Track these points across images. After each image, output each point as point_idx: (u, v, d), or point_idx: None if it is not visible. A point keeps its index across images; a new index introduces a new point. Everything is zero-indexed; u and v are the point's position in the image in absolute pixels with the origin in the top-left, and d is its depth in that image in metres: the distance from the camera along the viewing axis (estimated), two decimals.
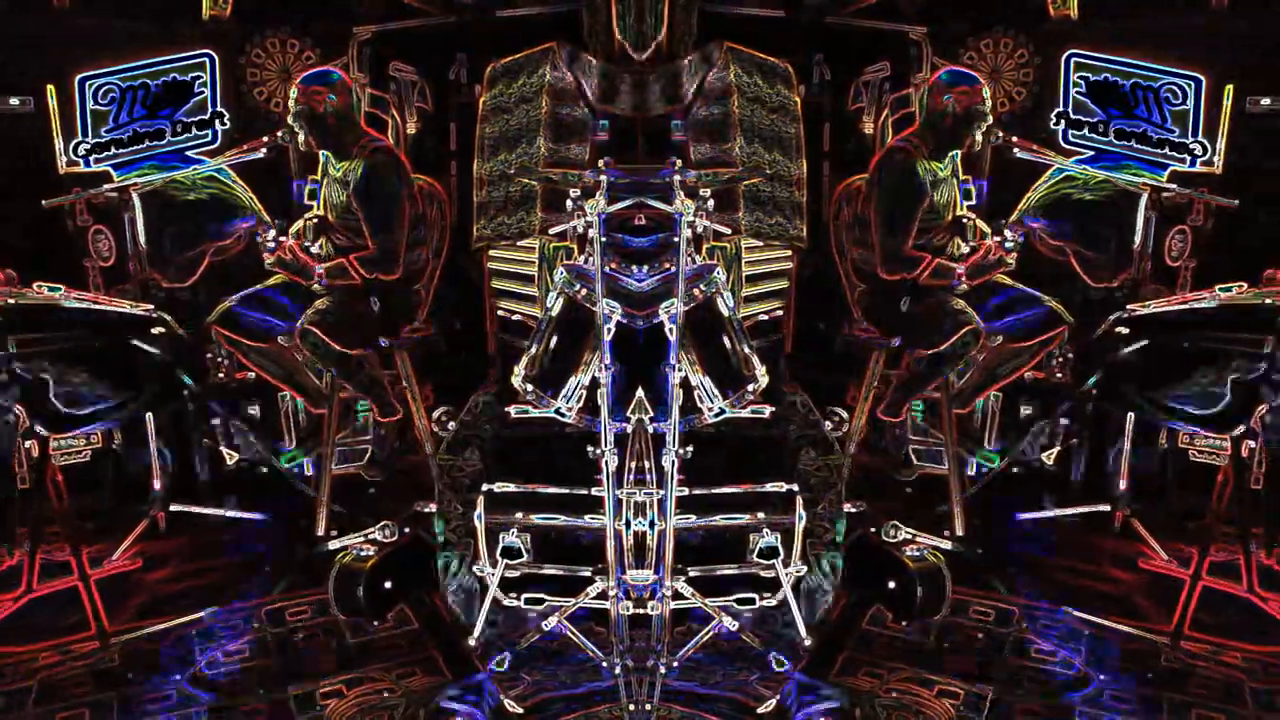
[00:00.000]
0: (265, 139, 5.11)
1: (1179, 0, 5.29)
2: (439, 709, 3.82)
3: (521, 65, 5.21)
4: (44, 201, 5.08)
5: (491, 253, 5.12)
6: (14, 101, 5.24)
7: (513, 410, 4.44)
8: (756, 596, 4.13)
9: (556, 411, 4.02)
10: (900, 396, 5.12)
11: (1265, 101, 5.15)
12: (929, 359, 4.90)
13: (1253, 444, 4.43)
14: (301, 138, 5.02)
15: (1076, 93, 5.31)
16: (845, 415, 4.82)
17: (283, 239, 4.98)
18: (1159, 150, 5.22)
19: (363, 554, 4.47)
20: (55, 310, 4.63)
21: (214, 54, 5.41)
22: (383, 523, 4.63)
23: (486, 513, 4.20)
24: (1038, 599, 4.52)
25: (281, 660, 4.16)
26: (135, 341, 4.74)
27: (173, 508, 5.20)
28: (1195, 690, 3.87)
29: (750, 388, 3.99)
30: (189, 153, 5.40)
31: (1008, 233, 4.94)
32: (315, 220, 5.14)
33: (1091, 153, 5.27)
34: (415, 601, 4.53)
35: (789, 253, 5.02)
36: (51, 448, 4.59)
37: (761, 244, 4.95)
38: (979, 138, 4.98)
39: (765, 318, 5.03)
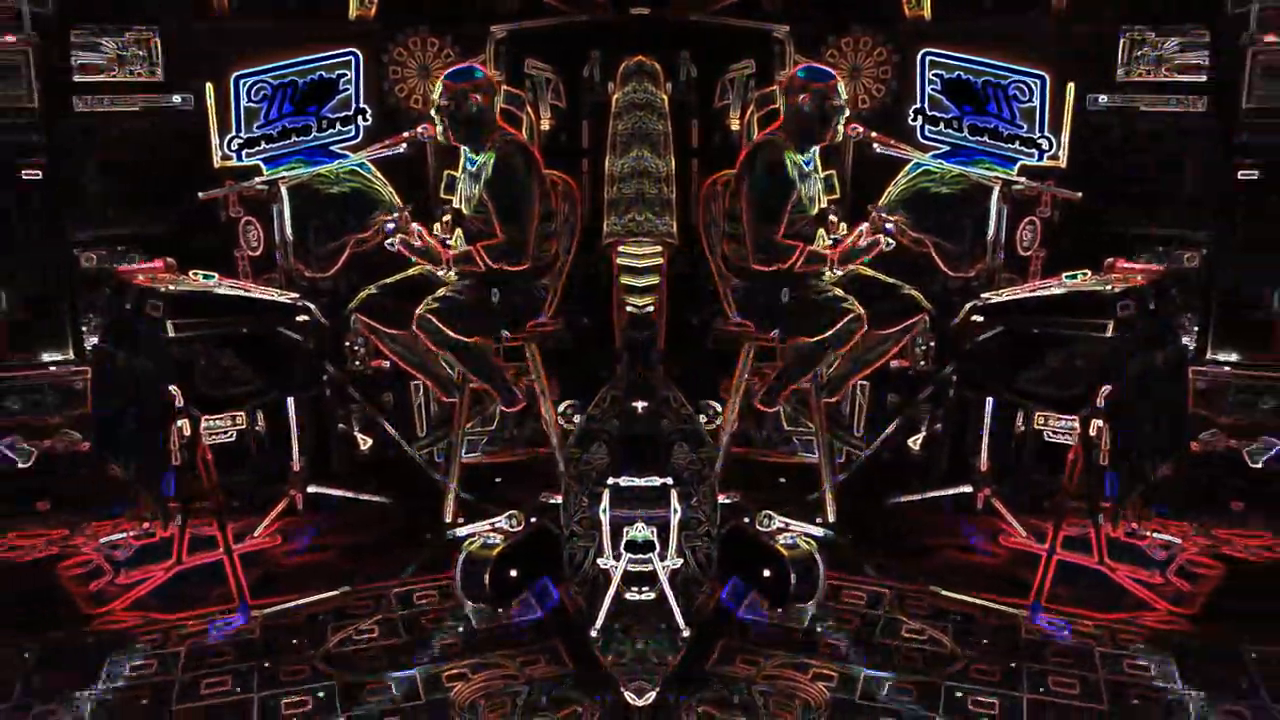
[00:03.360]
0: (405, 134, 5.27)
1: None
2: (562, 698, 3.86)
3: None
4: (200, 194, 5.36)
5: (621, 249, 5.15)
6: (176, 99, 5.54)
7: (639, 405, 4.45)
8: (635, 590, 4.16)
9: None
10: (779, 386, 5.20)
11: (1103, 99, 5.44)
12: (812, 345, 4.99)
13: (1099, 423, 4.53)
14: (440, 131, 5.14)
15: (932, 90, 5.51)
16: (719, 408, 4.78)
17: (402, 223, 5.12)
18: (1009, 145, 5.45)
19: (490, 542, 4.55)
20: (209, 297, 4.86)
21: (359, 52, 5.60)
22: (510, 512, 4.70)
23: (611, 506, 4.23)
24: (907, 580, 4.61)
25: (409, 641, 4.24)
26: (281, 328, 4.93)
27: (310, 489, 5.39)
28: (1052, 659, 4.01)
29: None
30: (333, 148, 5.62)
31: (885, 214, 5.13)
32: (452, 213, 5.26)
33: (947, 148, 5.50)
34: (540, 591, 4.58)
35: (659, 249, 5.02)
36: (201, 427, 4.78)
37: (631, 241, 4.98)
38: (839, 131, 5.08)
39: (636, 314, 5.02)
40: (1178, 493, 5.24)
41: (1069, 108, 5.38)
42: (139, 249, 5.53)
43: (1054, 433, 4.96)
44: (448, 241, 5.18)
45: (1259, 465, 5.32)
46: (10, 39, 5.25)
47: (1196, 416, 5.28)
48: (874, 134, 5.25)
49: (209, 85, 5.48)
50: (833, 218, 5.28)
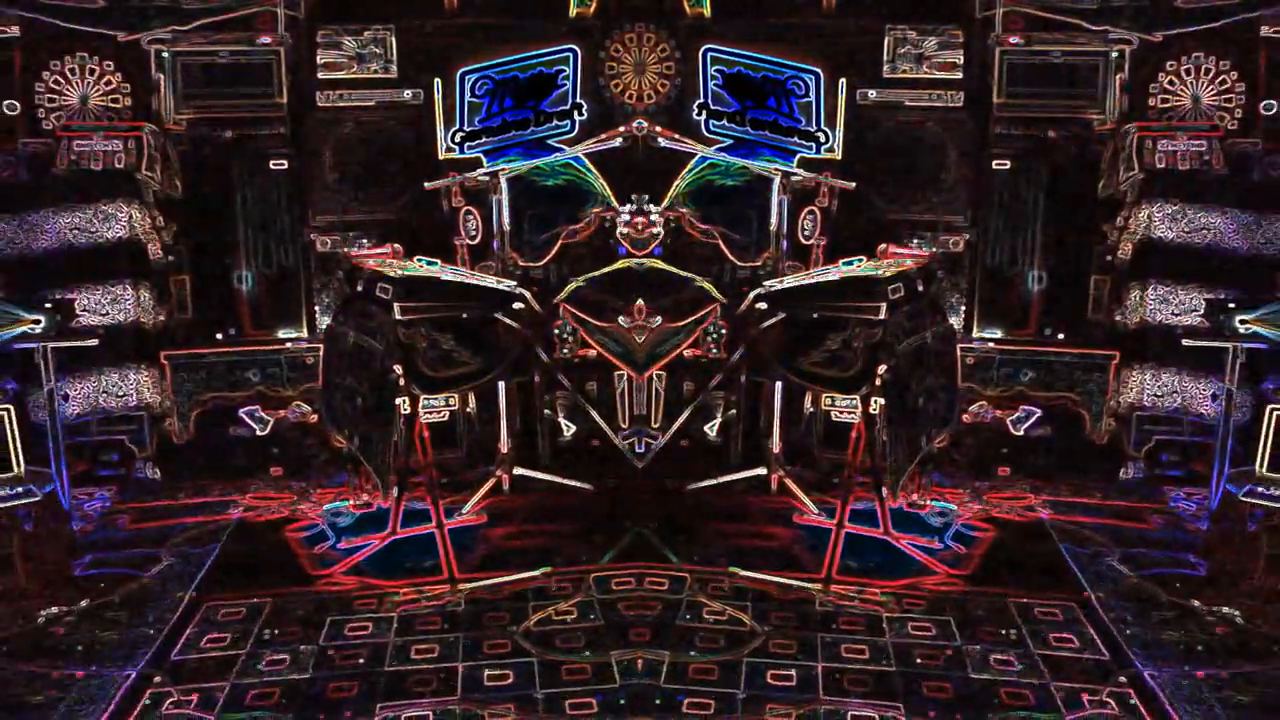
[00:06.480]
0: (620, 129, 5.35)
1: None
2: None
3: None
4: (426, 184, 5.61)
5: None
6: (407, 95, 5.83)
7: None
8: None
9: None
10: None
11: (872, 94, 5.54)
12: None
13: (879, 400, 4.71)
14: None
15: (714, 85, 5.50)
16: None
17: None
18: (789, 138, 5.44)
19: None
20: (432, 282, 5.09)
21: (577, 48, 5.73)
22: None
23: None
24: (708, 563, 4.71)
25: (606, 625, 4.31)
26: (498, 315, 5.10)
27: (515, 471, 5.55)
28: (844, 627, 4.16)
29: None
30: (550, 141, 5.76)
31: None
32: None
33: (730, 141, 5.48)
34: None
35: None
36: (420, 406, 5.01)
37: None
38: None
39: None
40: (952, 461, 5.61)
41: (842, 102, 5.48)
42: (369, 234, 5.86)
43: (840, 413, 5.31)
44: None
45: (1020, 432, 5.61)
46: (266, 40, 5.68)
47: (966, 389, 5.59)
48: (659, 128, 5.39)
49: (436, 80, 5.73)
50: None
